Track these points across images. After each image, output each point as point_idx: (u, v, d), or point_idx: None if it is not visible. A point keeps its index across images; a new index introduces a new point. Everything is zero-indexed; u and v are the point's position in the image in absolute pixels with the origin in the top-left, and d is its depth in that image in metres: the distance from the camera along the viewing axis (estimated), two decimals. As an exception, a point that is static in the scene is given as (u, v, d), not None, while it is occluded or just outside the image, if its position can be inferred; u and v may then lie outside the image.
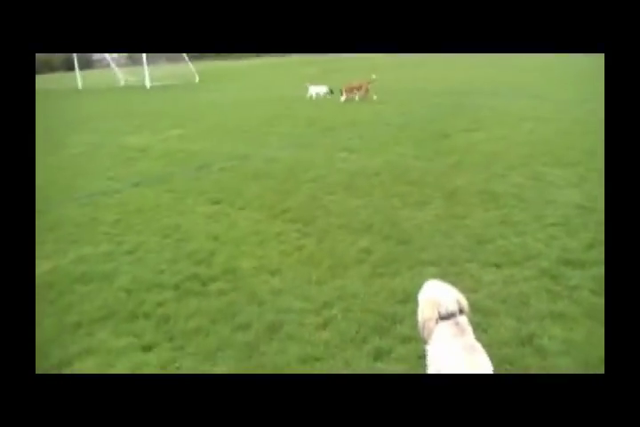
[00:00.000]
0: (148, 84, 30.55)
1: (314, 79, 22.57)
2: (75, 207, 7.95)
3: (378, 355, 3.85)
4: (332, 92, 18.75)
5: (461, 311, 3.31)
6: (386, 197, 7.30)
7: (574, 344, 3.84)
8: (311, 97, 18.96)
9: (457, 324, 3.29)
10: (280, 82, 28.13)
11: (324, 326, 4.27)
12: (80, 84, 36.74)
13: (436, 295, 3.36)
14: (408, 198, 7.19)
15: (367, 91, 18.14)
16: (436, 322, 3.29)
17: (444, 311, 3.27)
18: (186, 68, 33.70)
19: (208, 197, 7.90)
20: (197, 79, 31.91)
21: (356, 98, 18.02)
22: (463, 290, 4.46)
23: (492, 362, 3.30)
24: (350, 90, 18.06)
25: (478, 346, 3.23)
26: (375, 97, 17.89)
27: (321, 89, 19.06)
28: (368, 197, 7.39)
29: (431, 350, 3.35)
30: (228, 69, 40.04)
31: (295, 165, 9.45)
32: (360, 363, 3.76)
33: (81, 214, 7.60)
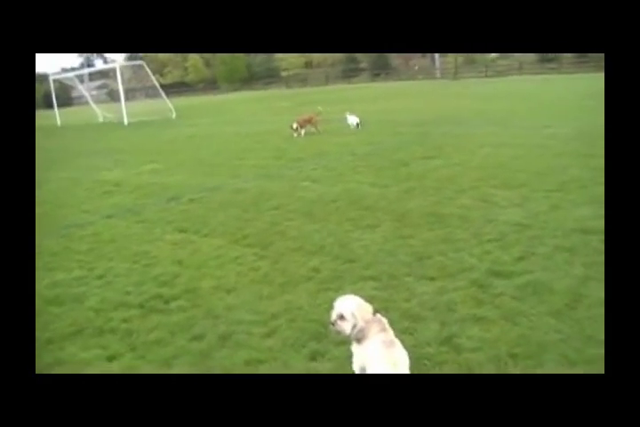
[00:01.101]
0: (125, 120, 30.99)
1: (287, 112, 23.21)
2: (52, 238, 8.42)
3: (313, 357, 4.38)
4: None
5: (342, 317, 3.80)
6: (339, 222, 7.85)
7: (487, 342, 4.38)
8: (350, 125, 18.85)
9: (379, 321, 3.83)
10: (254, 116, 28.76)
11: (270, 334, 4.79)
12: (59, 121, 37.26)
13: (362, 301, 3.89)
14: (360, 222, 7.74)
15: (316, 123, 18.41)
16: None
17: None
18: (163, 104, 34.21)
19: (175, 226, 8.41)
20: (174, 115, 32.41)
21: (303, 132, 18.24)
22: (398, 300, 5.06)
23: (413, 359, 3.85)
24: (304, 123, 18.23)
25: (397, 341, 3.78)
26: (320, 129, 18.42)
27: (355, 119, 18.91)
28: (324, 222, 7.93)
29: (356, 346, 3.88)
30: (205, 104, 40.74)
31: (260, 194, 9.98)
32: (297, 364, 4.28)
33: (57, 244, 8.08)
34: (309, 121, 18.37)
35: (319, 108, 19.27)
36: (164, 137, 22.14)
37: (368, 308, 3.87)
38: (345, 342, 4.16)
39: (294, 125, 17.94)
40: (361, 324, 3.72)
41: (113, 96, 37.29)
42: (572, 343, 4.27)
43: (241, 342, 4.68)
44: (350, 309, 3.74)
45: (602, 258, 5.80)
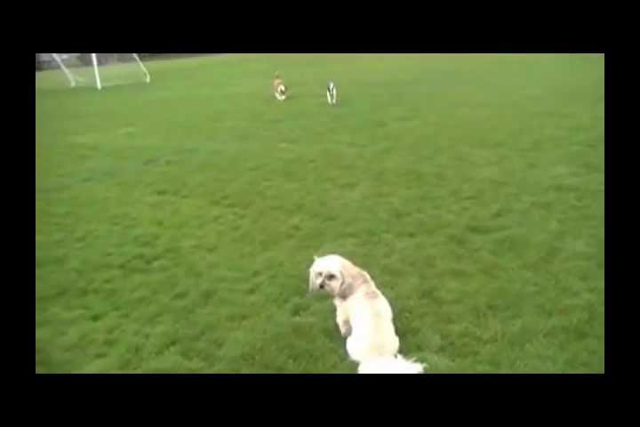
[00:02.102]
0: (99, 84, 30.49)
1: (263, 74, 23.00)
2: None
3: (296, 311, 4.45)
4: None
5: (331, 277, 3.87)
6: (318, 181, 7.90)
7: (466, 294, 4.47)
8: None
9: (361, 274, 3.91)
10: (230, 79, 28.44)
11: (252, 290, 4.86)
12: (30, 87, 36.53)
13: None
14: (338, 181, 7.81)
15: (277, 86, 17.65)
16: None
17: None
18: (137, 68, 33.63)
19: (154, 188, 8.39)
20: (148, 79, 31.90)
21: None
22: (378, 256, 5.14)
23: (394, 311, 3.94)
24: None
25: (379, 293, 3.88)
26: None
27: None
28: (302, 181, 7.98)
29: (339, 301, 3.97)
30: (180, 68, 40.13)
31: (238, 156, 9.97)
32: (281, 318, 4.35)
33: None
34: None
35: (276, 72, 18.70)
36: (138, 101, 21.83)
37: (350, 264, 3.95)
38: (326, 296, 4.24)
39: (283, 88, 17.43)
40: (348, 280, 3.80)
41: (85, 60, 36.29)
42: (548, 294, 4.39)
43: (224, 299, 4.73)
44: (338, 268, 3.82)
45: (576, 214, 5.92)
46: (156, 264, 5.58)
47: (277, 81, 17.67)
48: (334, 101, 15.07)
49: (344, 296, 3.85)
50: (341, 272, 3.79)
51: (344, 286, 3.78)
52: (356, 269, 3.93)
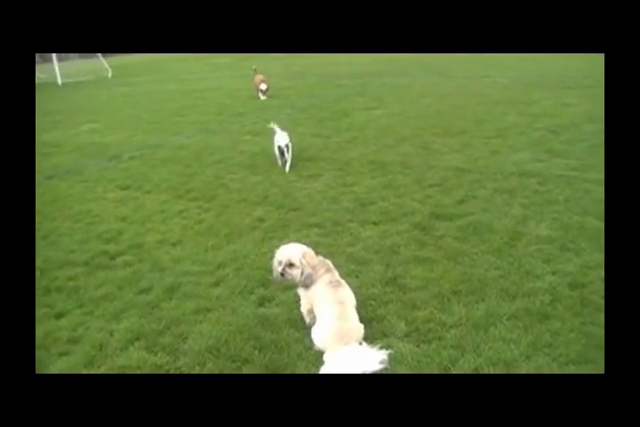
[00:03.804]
0: (59, 80, 30.08)
1: (228, 68, 22.85)
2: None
3: (262, 302, 4.45)
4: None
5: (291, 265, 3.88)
6: (282, 173, 7.90)
7: (431, 281, 4.50)
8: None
9: (324, 263, 3.92)
10: (193, 73, 28.23)
11: (217, 283, 4.85)
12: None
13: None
14: (303, 172, 7.80)
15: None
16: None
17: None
18: (99, 64, 33.24)
19: (117, 184, 8.29)
20: (110, 74, 31.59)
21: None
22: (343, 245, 5.14)
23: (359, 299, 3.96)
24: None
25: (343, 282, 3.88)
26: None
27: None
28: (267, 173, 7.97)
29: (302, 291, 3.97)
30: (142, 63, 39.69)
31: (202, 150, 9.90)
32: (246, 310, 4.33)
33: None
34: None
35: (253, 66, 18.00)
36: (101, 97, 21.55)
37: (312, 253, 3.95)
38: (291, 286, 4.24)
39: (264, 87, 15.51)
40: (308, 270, 3.79)
41: (45, 57, 35.82)
42: (511, 278, 4.43)
43: (189, 293, 4.71)
44: (297, 256, 3.82)
45: (539, 198, 5.99)
46: (120, 260, 5.53)
47: (258, 77, 15.79)
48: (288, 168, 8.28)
49: (306, 285, 3.85)
50: (301, 261, 3.79)
51: (304, 275, 3.78)
52: (318, 259, 3.93)
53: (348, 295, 3.81)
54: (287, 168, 7.99)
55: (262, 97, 15.47)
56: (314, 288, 3.84)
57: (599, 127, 8.61)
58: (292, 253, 3.85)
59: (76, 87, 27.12)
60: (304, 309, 3.99)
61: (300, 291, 3.99)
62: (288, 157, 8.01)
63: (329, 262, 3.98)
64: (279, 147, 8.00)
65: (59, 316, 4.61)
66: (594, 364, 3.35)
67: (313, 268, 3.84)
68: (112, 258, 5.60)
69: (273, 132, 8.35)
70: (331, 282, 3.81)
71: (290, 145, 8.03)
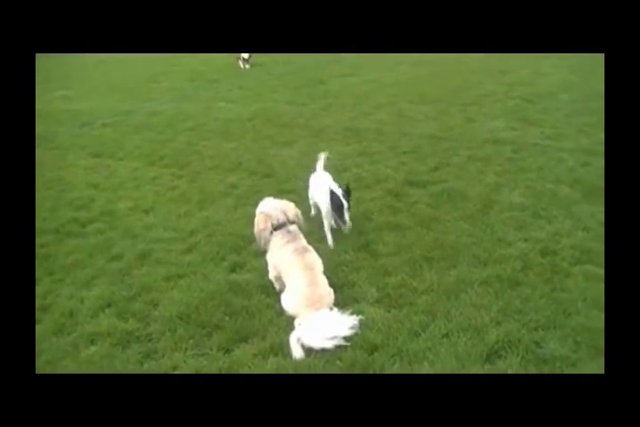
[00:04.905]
0: (32, 47, 29.52)
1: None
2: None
3: (233, 269, 4.44)
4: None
5: (291, 222, 3.94)
6: (256, 140, 7.82)
7: (403, 247, 4.50)
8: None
9: (288, 232, 3.90)
10: (168, 39, 27.76)
11: (189, 250, 4.82)
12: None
13: (268, 209, 3.96)
14: (277, 139, 7.73)
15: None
16: (271, 232, 3.90)
17: (275, 222, 3.89)
18: (71, 30, 32.61)
19: (89, 151, 8.15)
20: (84, 40, 31.00)
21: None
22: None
23: (332, 266, 3.95)
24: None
25: (310, 248, 3.87)
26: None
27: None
28: (240, 140, 7.88)
29: (269, 256, 3.97)
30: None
31: (175, 116, 9.77)
32: (217, 276, 4.31)
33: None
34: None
35: None
36: (73, 64, 21.13)
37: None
38: (263, 252, 4.22)
39: (247, 55, 14.70)
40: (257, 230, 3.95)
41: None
42: (483, 245, 4.45)
43: (160, 259, 4.68)
44: (292, 212, 4.05)
45: (513, 166, 6.00)
46: (91, 228, 5.46)
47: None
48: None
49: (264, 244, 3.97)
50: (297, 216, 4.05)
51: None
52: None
53: (315, 261, 3.80)
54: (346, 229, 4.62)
55: (245, 66, 14.82)
56: (280, 256, 3.83)
57: (575, 97, 8.64)
58: (286, 208, 3.93)
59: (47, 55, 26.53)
60: (271, 275, 3.98)
61: (268, 257, 3.99)
62: (347, 216, 4.50)
63: (296, 231, 3.97)
64: (333, 197, 4.55)
65: (29, 284, 4.56)
66: (562, 329, 3.39)
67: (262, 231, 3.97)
68: (83, 225, 5.53)
69: (312, 170, 5.25)
70: (296, 250, 3.80)
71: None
